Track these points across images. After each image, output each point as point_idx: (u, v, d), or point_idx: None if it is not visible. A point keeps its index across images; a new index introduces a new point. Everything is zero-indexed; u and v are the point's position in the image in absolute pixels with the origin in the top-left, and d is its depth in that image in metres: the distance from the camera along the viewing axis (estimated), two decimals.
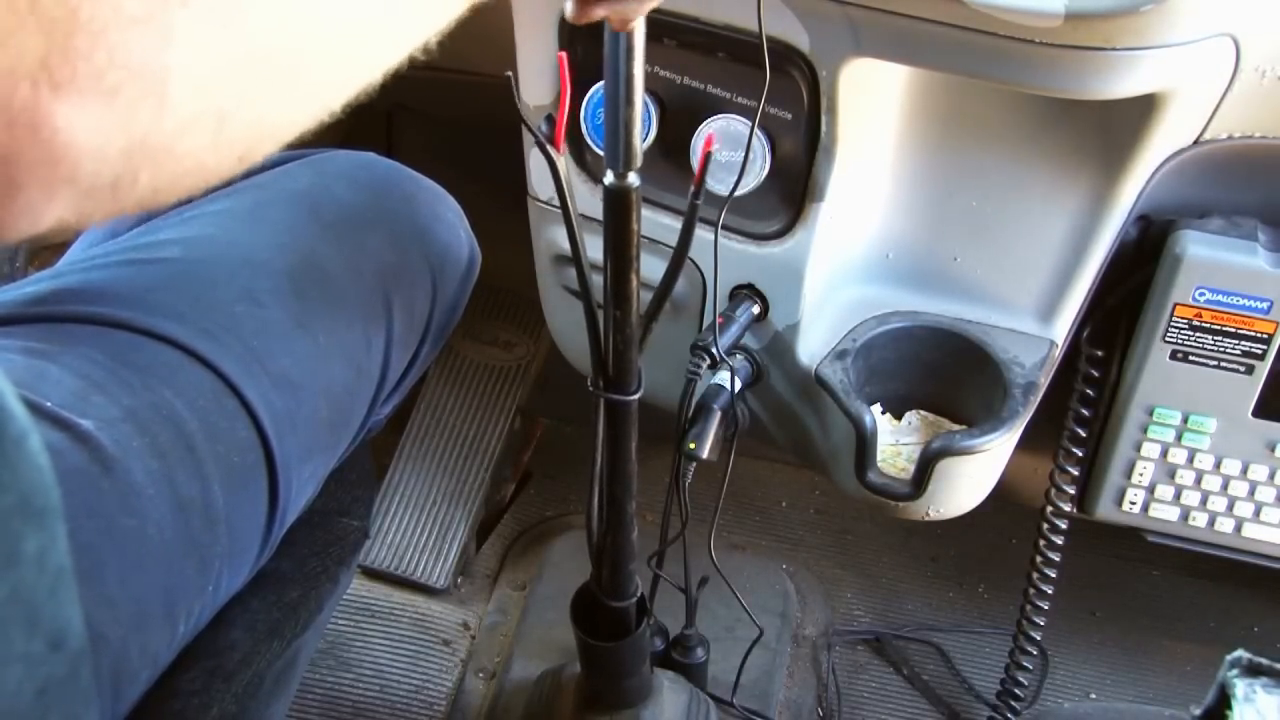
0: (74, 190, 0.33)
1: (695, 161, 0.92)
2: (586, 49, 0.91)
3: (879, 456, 0.96)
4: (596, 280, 0.76)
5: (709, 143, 0.79)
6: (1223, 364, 0.98)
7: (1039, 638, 1.23)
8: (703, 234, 0.89)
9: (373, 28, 0.42)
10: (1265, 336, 0.96)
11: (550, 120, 0.94)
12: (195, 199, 0.85)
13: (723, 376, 0.98)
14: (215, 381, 0.71)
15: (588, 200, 0.98)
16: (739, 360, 1.00)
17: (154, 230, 0.82)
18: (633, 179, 0.70)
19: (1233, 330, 0.97)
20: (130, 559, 0.62)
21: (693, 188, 0.72)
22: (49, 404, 0.62)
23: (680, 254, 0.75)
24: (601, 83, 0.90)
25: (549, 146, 0.68)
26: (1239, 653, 0.62)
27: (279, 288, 0.77)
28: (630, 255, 0.73)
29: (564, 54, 0.67)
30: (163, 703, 0.70)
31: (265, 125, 0.38)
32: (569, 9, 0.58)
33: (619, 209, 0.71)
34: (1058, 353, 0.97)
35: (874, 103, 0.89)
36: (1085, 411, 1.08)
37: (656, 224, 0.97)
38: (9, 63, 0.30)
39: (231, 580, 0.73)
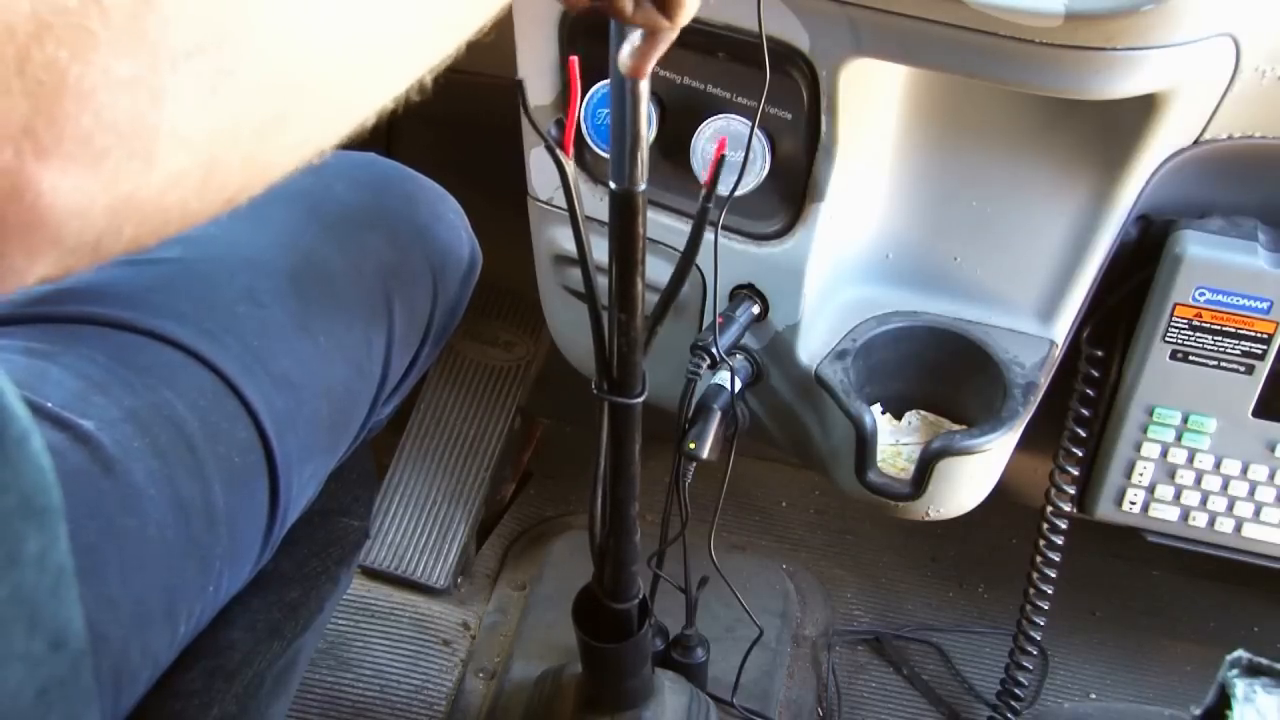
0: (57, 250, 0.33)
1: (696, 163, 0.92)
2: (587, 49, 0.91)
3: (879, 456, 0.96)
4: (599, 282, 0.76)
5: (721, 147, 0.78)
6: (1223, 364, 0.98)
7: (1039, 638, 1.23)
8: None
9: (363, 76, 0.41)
10: (1265, 336, 0.96)
11: (559, 125, 0.94)
12: None
13: (723, 376, 0.98)
14: (216, 382, 0.71)
15: (589, 200, 0.98)
16: (739, 360, 1.00)
17: None
18: (639, 184, 0.70)
19: (1233, 330, 0.97)
20: (131, 559, 0.62)
21: (703, 192, 0.72)
22: (50, 404, 0.62)
23: (688, 259, 0.75)
24: (602, 83, 0.91)
25: (559, 153, 0.68)
26: (1239, 653, 0.62)
27: (280, 288, 0.77)
28: (636, 259, 0.73)
29: (574, 59, 0.66)
30: (163, 703, 0.70)
31: (253, 171, 0.38)
32: None
33: (625, 213, 0.71)
34: (1058, 353, 0.97)
35: (874, 103, 0.89)
36: (1085, 411, 1.08)
37: (656, 224, 0.97)
38: None
39: (232, 580, 0.73)
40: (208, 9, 0.33)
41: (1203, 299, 0.96)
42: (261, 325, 0.75)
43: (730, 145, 0.90)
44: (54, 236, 0.32)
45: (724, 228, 0.92)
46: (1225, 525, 1.06)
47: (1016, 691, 1.27)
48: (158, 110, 0.32)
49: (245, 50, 0.34)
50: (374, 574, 1.42)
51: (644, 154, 0.69)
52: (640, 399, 0.81)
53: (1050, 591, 1.20)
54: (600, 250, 0.73)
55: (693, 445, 0.95)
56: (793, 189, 0.93)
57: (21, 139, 0.30)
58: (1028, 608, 1.21)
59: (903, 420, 1.01)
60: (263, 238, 0.80)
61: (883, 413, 1.01)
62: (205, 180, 0.35)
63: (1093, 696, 1.37)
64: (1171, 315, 0.97)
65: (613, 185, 0.70)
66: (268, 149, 0.38)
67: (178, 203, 0.35)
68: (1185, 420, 1.02)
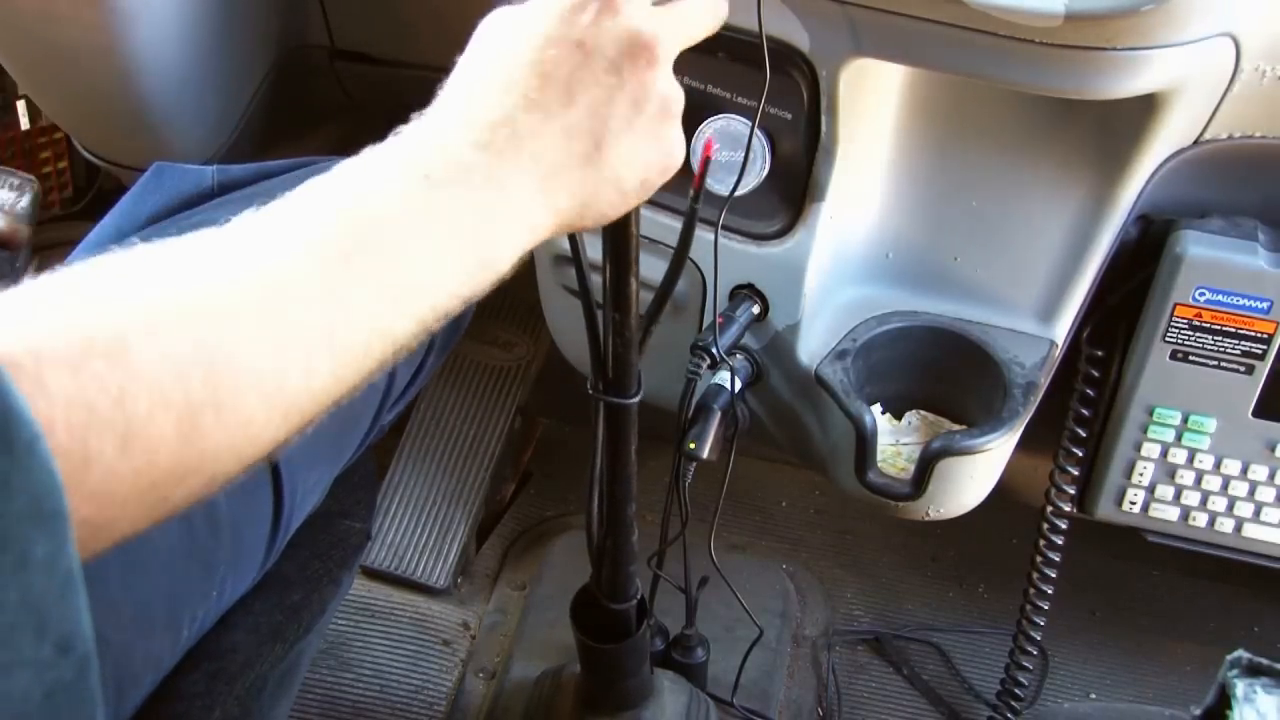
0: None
1: (695, 163, 0.92)
2: None
3: (879, 456, 0.96)
4: (596, 280, 0.76)
5: (708, 147, 0.78)
6: (1223, 364, 0.98)
7: (1039, 638, 1.23)
8: (703, 234, 0.89)
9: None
10: (1265, 336, 0.96)
11: None
12: (204, 203, 0.85)
13: (723, 376, 0.98)
14: None
15: None
16: (739, 360, 1.00)
17: (160, 235, 0.81)
18: None
19: (1233, 330, 0.97)
20: (133, 564, 0.62)
21: (692, 191, 0.72)
22: None
23: (680, 257, 0.75)
24: None
25: None
26: (1239, 653, 0.62)
27: None
28: (629, 258, 0.73)
29: None
30: (165, 705, 0.70)
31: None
32: None
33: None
34: (1058, 353, 0.97)
35: (874, 103, 0.89)
36: (1085, 411, 1.08)
37: (656, 224, 0.97)
38: None
39: (236, 585, 0.73)
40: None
41: (1203, 299, 0.96)
42: None
43: (730, 145, 0.90)
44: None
45: (724, 227, 0.92)
46: (1225, 525, 1.06)
47: (1016, 691, 1.26)
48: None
49: None
50: (374, 574, 1.42)
51: None
52: (636, 399, 0.80)
53: (1050, 591, 1.20)
54: (596, 248, 0.73)
55: (693, 445, 0.94)
56: (793, 189, 0.93)
57: None
58: (1028, 608, 1.21)
59: (903, 420, 1.01)
60: None
61: (883, 413, 1.01)
62: None
63: (1093, 696, 1.37)
64: (1171, 315, 0.97)
65: None
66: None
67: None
68: (1185, 420, 1.02)
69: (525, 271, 1.11)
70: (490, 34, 0.59)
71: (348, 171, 0.53)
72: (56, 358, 0.41)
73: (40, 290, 0.45)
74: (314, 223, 0.50)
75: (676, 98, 0.59)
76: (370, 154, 0.54)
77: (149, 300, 0.45)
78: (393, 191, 0.52)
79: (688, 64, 0.91)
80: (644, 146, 0.58)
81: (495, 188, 0.54)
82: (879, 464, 0.96)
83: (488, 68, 0.57)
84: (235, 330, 0.46)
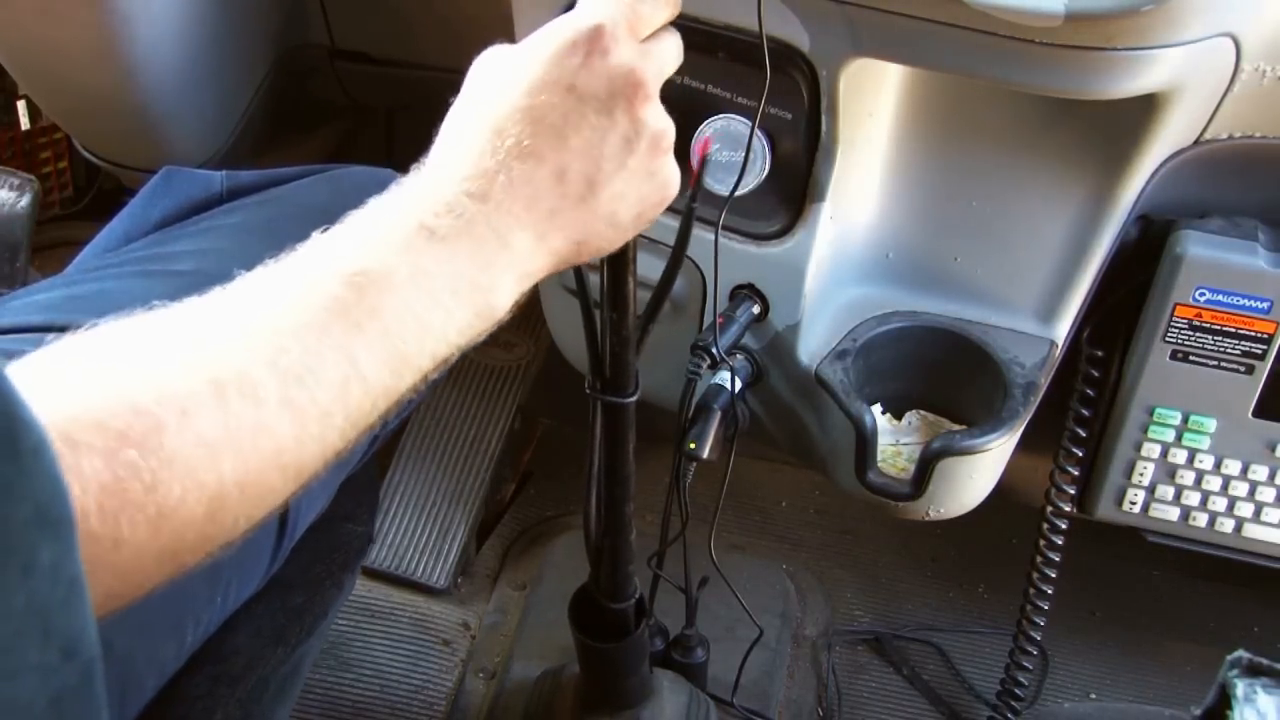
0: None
1: (694, 163, 0.92)
2: None
3: (879, 456, 0.96)
4: (595, 280, 0.76)
5: (705, 146, 0.78)
6: (1223, 364, 0.98)
7: (1039, 638, 1.23)
8: (703, 234, 0.89)
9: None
10: (1265, 336, 0.96)
11: None
12: (213, 208, 0.85)
13: (723, 376, 0.98)
14: None
15: None
16: (739, 360, 1.00)
17: (170, 240, 0.82)
18: None
19: (1233, 330, 0.97)
20: None
21: (689, 191, 0.72)
22: None
23: (677, 257, 0.75)
24: None
25: None
26: (1239, 653, 0.62)
27: None
28: (627, 258, 0.73)
29: None
30: (168, 707, 0.71)
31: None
32: None
33: None
34: (1058, 353, 0.97)
35: (874, 103, 0.89)
36: (1085, 411, 1.08)
37: (656, 224, 0.97)
38: None
39: (240, 590, 0.74)
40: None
41: (1203, 299, 0.96)
42: None
43: (730, 145, 0.90)
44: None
45: (724, 227, 0.92)
46: (1225, 525, 1.06)
47: (1016, 691, 1.26)
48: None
49: None
50: (374, 574, 1.41)
51: None
52: (633, 399, 0.80)
53: (1050, 591, 1.20)
54: None
55: (693, 445, 0.94)
56: (793, 189, 0.92)
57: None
58: (1028, 608, 1.21)
59: (903, 420, 1.01)
60: (275, 253, 0.80)
61: (883, 413, 1.01)
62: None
63: (1093, 696, 1.37)
64: (1172, 315, 0.97)
65: None
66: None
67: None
68: (1185, 420, 1.02)
69: None
70: (483, 77, 0.60)
71: (354, 226, 0.54)
72: (92, 446, 0.42)
73: (70, 357, 0.46)
74: (327, 287, 0.51)
75: (668, 131, 0.61)
76: (374, 206, 0.55)
77: (179, 377, 0.46)
78: (397, 246, 0.53)
79: (688, 64, 0.91)
80: (637, 182, 0.60)
81: (494, 237, 0.55)
82: (879, 464, 0.96)
83: (481, 114, 0.58)
84: (261, 407, 0.47)
